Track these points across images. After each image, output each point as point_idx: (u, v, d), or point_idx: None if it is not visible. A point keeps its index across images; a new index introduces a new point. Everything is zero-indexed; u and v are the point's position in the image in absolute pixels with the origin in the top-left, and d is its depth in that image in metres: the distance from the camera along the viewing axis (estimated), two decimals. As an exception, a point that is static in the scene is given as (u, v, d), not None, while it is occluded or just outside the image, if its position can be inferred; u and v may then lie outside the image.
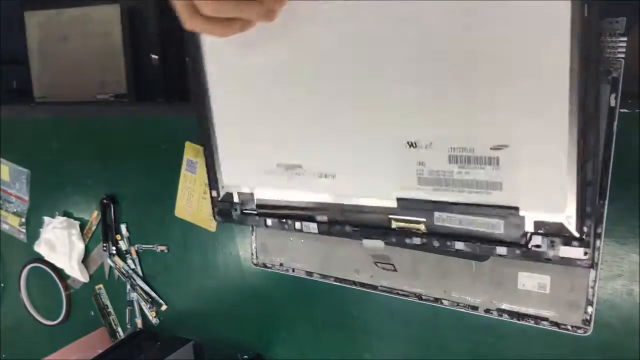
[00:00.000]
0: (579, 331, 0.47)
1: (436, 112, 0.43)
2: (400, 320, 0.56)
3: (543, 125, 0.39)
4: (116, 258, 0.76)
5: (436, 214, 0.46)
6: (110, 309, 0.80)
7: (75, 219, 0.80)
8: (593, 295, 0.46)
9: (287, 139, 0.50)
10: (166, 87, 0.84)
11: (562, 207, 0.41)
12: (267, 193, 0.54)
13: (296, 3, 0.45)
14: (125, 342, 0.74)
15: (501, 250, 0.44)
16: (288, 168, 0.51)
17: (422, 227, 0.46)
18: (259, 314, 0.66)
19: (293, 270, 0.62)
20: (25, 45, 0.87)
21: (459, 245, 0.45)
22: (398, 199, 0.47)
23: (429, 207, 0.46)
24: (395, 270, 0.52)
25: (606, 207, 0.43)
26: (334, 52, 0.46)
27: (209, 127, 0.54)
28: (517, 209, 0.42)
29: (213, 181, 0.56)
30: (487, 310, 0.51)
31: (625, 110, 0.41)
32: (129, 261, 0.76)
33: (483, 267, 0.50)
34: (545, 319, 0.48)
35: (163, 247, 0.72)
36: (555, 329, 0.48)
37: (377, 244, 0.49)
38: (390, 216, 0.48)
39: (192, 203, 0.67)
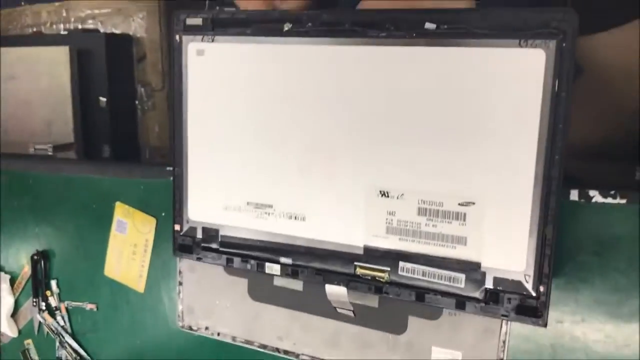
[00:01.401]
0: None
1: (410, 165, 0.45)
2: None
3: (509, 187, 0.42)
4: (46, 314, 0.76)
5: (401, 263, 0.47)
6: (39, 366, 0.78)
7: (6, 272, 0.78)
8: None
9: (261, 178, 0.51)
10: (114, 131, 0.84)
11: (522, 266, 0.43)
12: (233, 231, 0.54)
13: (281, 46, 0.47)
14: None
15: (460, 304, 0.45)
16: (258, 207, 0.52)
17: (385, 275, 0.48)
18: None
19: (218, 334, 0.62)
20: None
21: (419, 296, 0.46)
22: (365, 247, 0.48)
23: (394, 256, 0.47)
24: (355, 315, 0.53)
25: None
26: (312, 99, 0.48)
27: (182, 155, 0.54)
28: (479, 264, 0.44)
29: (178, 214, 0.56)
30: None
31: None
32: (59, 318, 0.75)
33: (399, 340, 0.52)
34: (453, 396, 0.50)
35: (92, 305, 0.72)
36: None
37: (340, 290, 0.49)
38: (356, 263, 0.49)
39: (121, 262, 0.68)
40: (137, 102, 0.89)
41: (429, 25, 0.43)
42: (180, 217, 0.56)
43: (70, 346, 0.74)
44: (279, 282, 0.58)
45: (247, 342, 0.60)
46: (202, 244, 0.55)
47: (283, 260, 0.52)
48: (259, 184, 0.51)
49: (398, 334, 0.53)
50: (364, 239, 0.48)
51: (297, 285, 0.57)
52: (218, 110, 0.52)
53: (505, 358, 0.49)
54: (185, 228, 0.56)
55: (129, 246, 0.67)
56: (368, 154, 0.47)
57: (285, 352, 0.59)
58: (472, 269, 0.45)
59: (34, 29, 0.95)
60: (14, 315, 0.78)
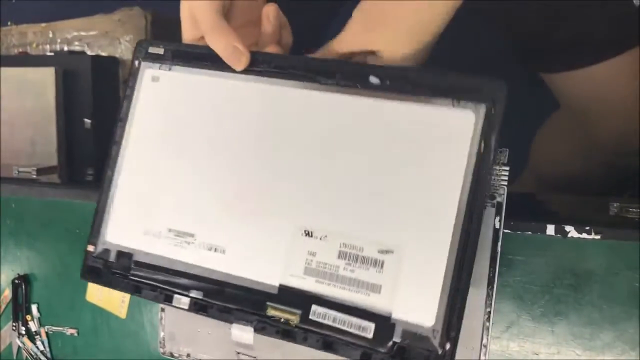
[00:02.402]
0: None
1: (337, 208, 0.46)
2: None
3: (428, 239, 0.43)
4: (25, 338, 0.73)
5: (313, 307, 0.46)
6: (16, 391, 0.73)
7: None
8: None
9: (188, 206, 0.51)
10: (98, 153, 0.82)
11: (431, 321, 0.43)
12: (148, 257, 0.52)
13: (232, 82, 0.50)
14: None
15: (366, 356, 0.44)
16: (179, 235, 0.51)
17: (295, 318, 0.46)
18: None
19: (199, 362, 0.59)
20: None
21: (327, 345, 0.45)
22: (280, 285, 0.47)
23: (308, 299, 0.46)
24: (255, 366, 0.50)
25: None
26: (250, 136, 0.50)
27: (112, 175, 0.53)
28: (389, 316, 0.44)
29: (94, 234, 0.53)
30: None
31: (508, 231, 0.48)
32: (38, 342, 0.73)
33: None
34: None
35: (73, 331, 0.71)
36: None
37: (246, 332, 0.47)
38: (268, 302, 0.47)
39: (103, 288, 0.64)
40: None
41: (374, 80, 0.46)
42: (96, 238, 0.53)
43: None
44: None
45: None
46: (113, 269, 0.52)
47: (193, 293, 0.50)
48: (185, 212, 0.51)
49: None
50: (280, 277, 0.47)
51: None
52: (158, 135, 0.53)
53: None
54: (99, 250, 0.53)
55: (111, 270, 0.65)
56: (297, 193, 0.47)
57: None
58: (382, 320, 0.44)
59: (20, 50, 0.95)
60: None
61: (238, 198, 0.49)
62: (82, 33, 0.87)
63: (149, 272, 0.51)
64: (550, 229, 0.48)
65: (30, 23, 0.92)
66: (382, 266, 0.44)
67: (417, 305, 0.43)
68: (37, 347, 0.74)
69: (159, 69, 0.54)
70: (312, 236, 0.47)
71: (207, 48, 0.51)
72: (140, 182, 0.53)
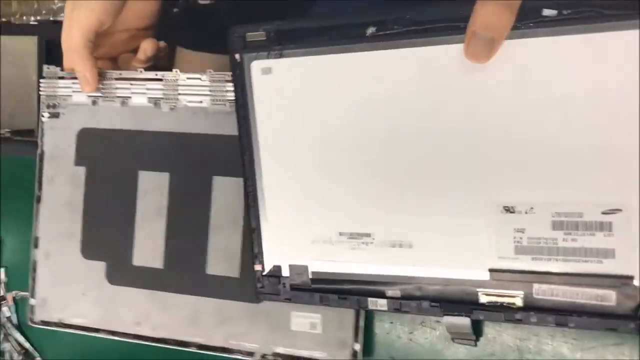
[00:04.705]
0: None
1: (540, 175, 0.39)
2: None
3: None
4: None
5: (535, 285, 0.41)
6: (-22, 360, 0.74)
7: None
8: (358, 332, 0.50)
9: (354, 205, 0.45)
10: None
11: (685, 275, 0.37)
12: (324, 266, 0.48)
13: (366, 53, 0.41)
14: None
15: (612, 323, 0.40)
16: (353, 237, 0.46)
17: (517, 300, 0.42)
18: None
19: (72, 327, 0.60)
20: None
21: (562, 319, 0.41)
22: (491, 270, 0.42)
23: (527, 278, 0.41)
24: (475, 345, 0.47)
25: None
26: (408, 110, 0.42)
27: (255, 190, 0.48)
28: (631, 277, 0.39)
29: (257, 253, 0.49)
30: (264, 356, 0.52)
31: None
32: (4, 308, 0.71)
33: (259, 309, 0.53)
34: (319, 360, 0.49)
35: None
36: (328, 369, 0.50)
37: (463, 321, 0.44)
38: (479, 289, 0.43)
39: None
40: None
41: (548, 12, 0.37)
42: (260, 256, 0.49)
43: (16, 339, 0.69)
44: (139, 261, 0.57)
45: (103, 331, 0.58)
46: (291, 284, 0.49)
47: (391, 293, 0.46)
48: (352, 211, 0.45)
49: (258, 302, 0.53)
50: (488, 262, 0.42)
51: (157, 263, 0.56)
52: (294, 134, 0.46)
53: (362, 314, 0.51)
54: (268, 268, 0.49)
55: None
56: (485, 166, 0.41)
57: (144, 338, 0.57)
58: (623, 284, 0.39)
59: (3, 20, 0.93)
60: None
61: (412, 184, 0.43)
62: (67, 3, 0.83)
63: (332, 280, 0.47)
64: None
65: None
66: (610, 228, 0.38)
67: (662, 261, 0.38)
68: (3, 314, 0.71)
69: (267, 57, 0.45)
70: (514, 212, 0.40)
71: (318, 20, 0.43)
72: (289, 191, 0.47)
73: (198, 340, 0.55)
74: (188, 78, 0.54)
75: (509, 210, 0.41)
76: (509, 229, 0.41)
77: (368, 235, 0.45)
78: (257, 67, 0.46)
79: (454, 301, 0.44)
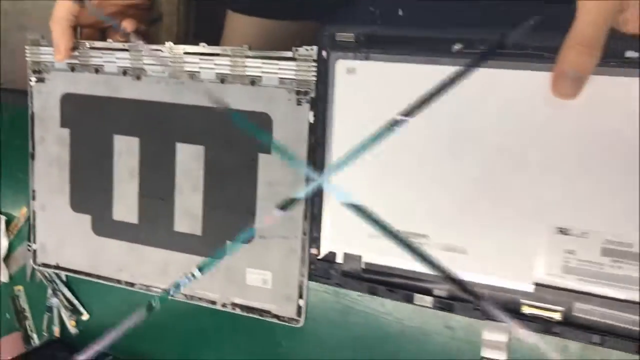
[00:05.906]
0: (293, 322, 0.56)
1: (596, 203, 0.42)
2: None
3: None
4: None
5: (577, 304, 0.44)
6: (28, 314, 0.76)
7: (2, 213, 0.76)
8: (303, 288, 0.55)
9: (416, 207, 0.48)
10: None
11: None
12: (377, 258, 0.51)
13: (449, 68, 0.44)
14: (38, 350, 0.71)
15: (643, 349, 0.43)
16: (411, 236, 0.49)
17: (557, 315, 0.45)
18: (185, 335, 0.66)
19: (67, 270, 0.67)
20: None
21: (597, 339, 0.44)
22: (536, 284, 0.45)
23: (570, 296, 0.44)
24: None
25: None
26: (485, 128, 0.45)
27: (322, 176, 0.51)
28: (668, 310, 0.42)
29: (315, 238, 0.53)
30: (224, 305, 0.59)
31: None
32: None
33: (220, 264, 0.58)
34: (268, 312, 0.57)
35: None
36: (275, 320, 0.57)
37: (501, 331, 0.47)
38: (523, 300, 0.46)
39: None
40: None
41: (631, 54, 0.40)
42: (318, 241, 0.53)
43: (64, 295, 0.72)
44: (118, 216, 0.63)
45: (92, 275, 0.65)
46: (343, 270, 0.52)
47: (437, 291, 0.49)
48: (413, 212, 0.49)
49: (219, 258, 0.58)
50: (535, 276, 0.45)
51: (133, 218, 0.62)
52: (368, 133, 0.49)
53: (305, 274, 0.55)
54: (323, 252, 0.53)
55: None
56: (548, 189, 0.44)
57: (125, 282, 0.64)
58: (660, 314, 0.42)
59: None
60: (6, 259, 0.76)
61: (475, 195, 0.46)
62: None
63: (383, 273, 0.51)
64: None
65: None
66: (656, 261, 0.41)
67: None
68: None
69: (354, 59, 0.49)
70: (568, 234, 0.44)
71: (410, 30, 0.45)
72: (354, 185, 0.50)
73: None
74: (151, 50, 0.59)
75: (563, 231, 0.44)
76: (560, 249, 0.44)
77: (425, 236, 0.49)
78: (342, 66, 0.49)
79: (497, 307, 0.47)
